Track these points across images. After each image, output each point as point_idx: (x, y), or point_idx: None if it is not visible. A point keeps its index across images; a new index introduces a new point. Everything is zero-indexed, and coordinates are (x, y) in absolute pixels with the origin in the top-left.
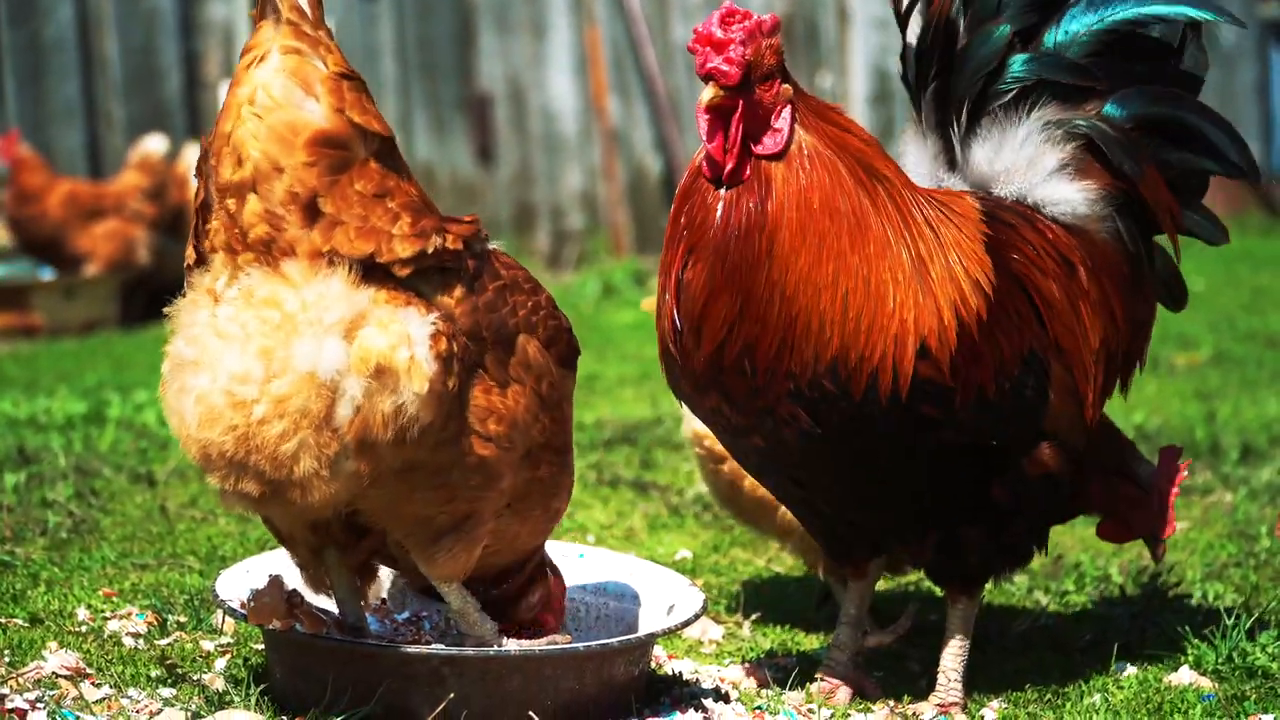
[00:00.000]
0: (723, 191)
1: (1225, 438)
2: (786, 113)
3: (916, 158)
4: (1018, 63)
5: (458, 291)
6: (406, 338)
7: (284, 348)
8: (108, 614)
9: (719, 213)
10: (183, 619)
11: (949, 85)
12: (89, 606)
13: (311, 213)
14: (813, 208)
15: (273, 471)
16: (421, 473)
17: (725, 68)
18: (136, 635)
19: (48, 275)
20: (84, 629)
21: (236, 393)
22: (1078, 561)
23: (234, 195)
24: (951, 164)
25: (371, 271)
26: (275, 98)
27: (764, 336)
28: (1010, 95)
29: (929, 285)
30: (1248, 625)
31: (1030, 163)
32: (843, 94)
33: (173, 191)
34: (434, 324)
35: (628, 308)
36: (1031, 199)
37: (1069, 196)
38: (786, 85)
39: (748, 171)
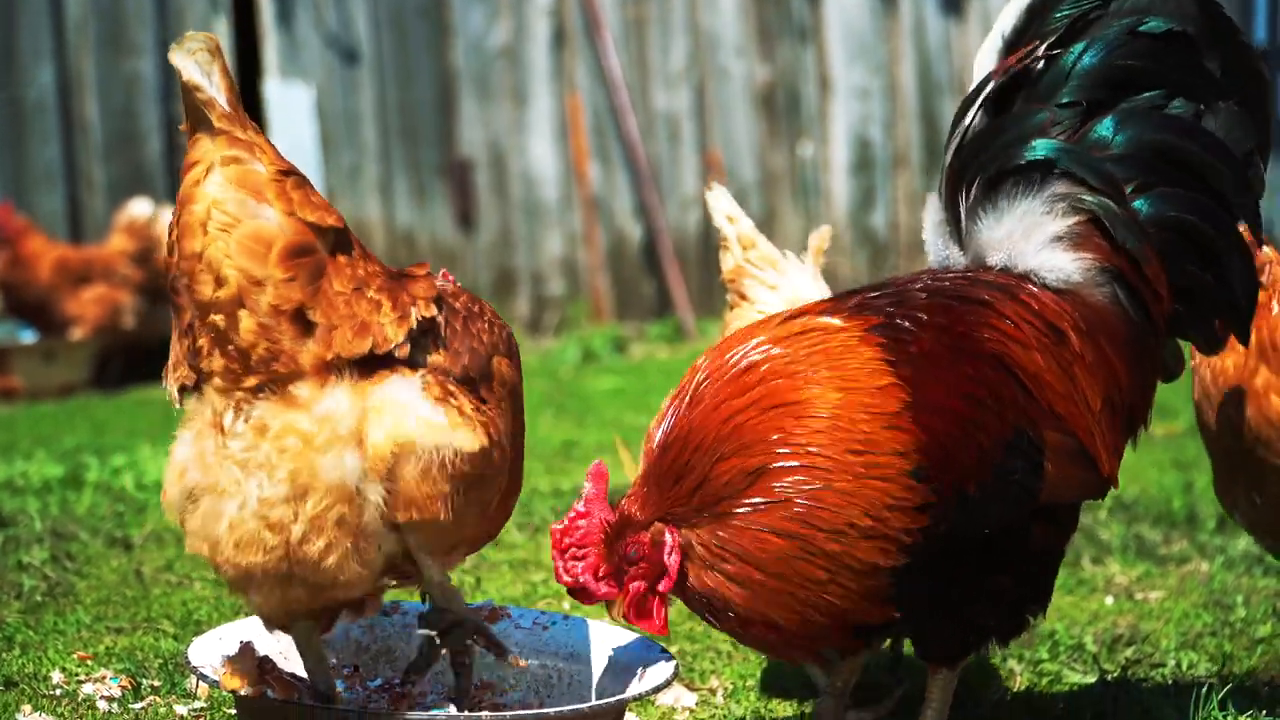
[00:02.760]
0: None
1: (1202, 507)
2: (668, 545)
3: (929, 227)
4: (1042, 145)
5: (439, 346)
6: (403, 408)
7: (309, 467)
8: (82, 677)
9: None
10: (157, 683)
11: (974, 157)
12: (63, 670)
13: (301, 321)
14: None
15: (316, 578)
16: (470, 502)
17: (585, 583)
18: (111, 699)
19: (28, 338)
20: (58, 692)
21: (270, 516)
22: (1052, 630)
23: (220, 313)
24: (956, 235)
25: (366, 361)
26: (231, 213)
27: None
28: (1030, 174)
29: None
30: (1221, 695)
31: (1026, 232)
32: (824, 162)
33: (157, 255)
34: (422, 377)
35: (607, 374)
36: (1021, 268)
37: (1062, 265)
38: (642, 535)
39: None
